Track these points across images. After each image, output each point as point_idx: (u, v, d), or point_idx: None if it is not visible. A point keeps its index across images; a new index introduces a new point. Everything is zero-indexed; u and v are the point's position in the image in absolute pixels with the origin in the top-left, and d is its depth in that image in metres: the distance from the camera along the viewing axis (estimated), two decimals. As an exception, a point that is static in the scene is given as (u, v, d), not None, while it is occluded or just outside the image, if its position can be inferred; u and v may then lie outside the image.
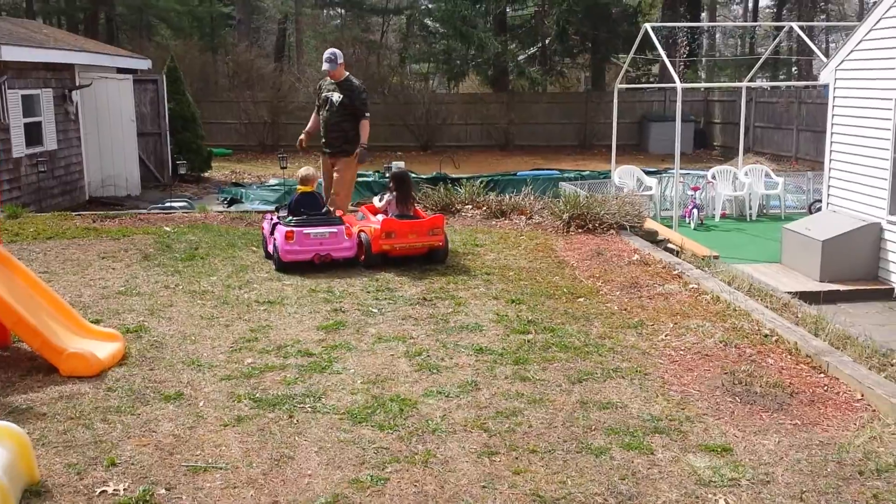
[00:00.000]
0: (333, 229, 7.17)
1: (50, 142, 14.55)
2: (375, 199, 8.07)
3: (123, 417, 3.99)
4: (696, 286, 6.68)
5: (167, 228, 9.04)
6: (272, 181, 19.17)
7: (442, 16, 29.99)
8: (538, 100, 28.54)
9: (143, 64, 19.40)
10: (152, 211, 11.67)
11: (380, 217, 7.55)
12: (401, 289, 6.53)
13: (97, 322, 5.46)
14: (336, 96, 8.39)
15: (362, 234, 7.36)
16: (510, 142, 27.31)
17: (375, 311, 5.89)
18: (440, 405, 4.18)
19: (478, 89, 31.90)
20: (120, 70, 17.63)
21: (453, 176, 18.10)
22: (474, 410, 4.13)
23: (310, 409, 4.10)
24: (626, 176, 14.64)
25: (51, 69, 14.59)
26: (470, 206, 10.14)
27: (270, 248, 7.33)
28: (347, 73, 8.61)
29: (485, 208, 10.01)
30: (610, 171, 16.24)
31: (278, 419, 3.99)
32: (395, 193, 7.72)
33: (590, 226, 8.92)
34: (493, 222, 9.56)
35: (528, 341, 5.21)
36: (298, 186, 7.58)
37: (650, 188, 14.14)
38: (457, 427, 3.93)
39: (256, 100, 26.39)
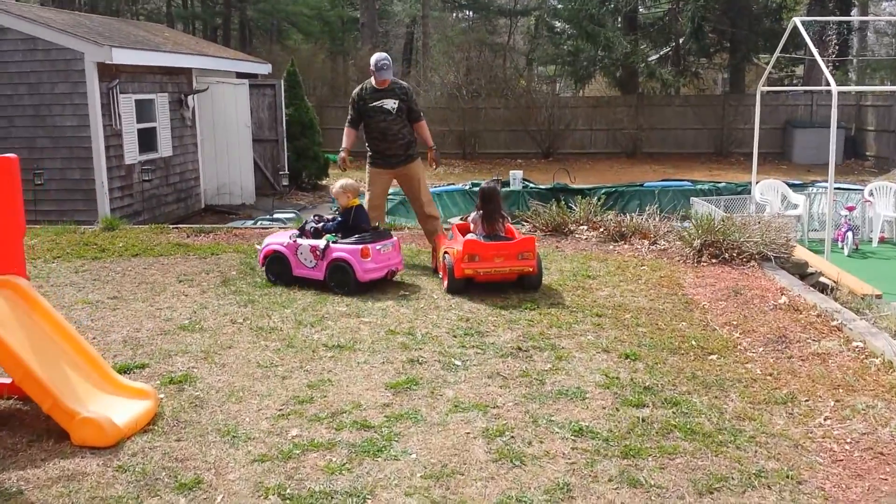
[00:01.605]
0: (393, 240, 6.81)
1: (165, 148, 14.49)
2: (469, 218, 7.20)
3: (127, 510, 3.26)
4: (860, 344, 5.36)
5: (258, 246, 8.45)
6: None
7: (568, 14, 28.75)
8: (670, 103, 26.78)
9: (264, 68, 19.33)
10: (247, 225, 11.24)
11: (463, 238, 6.70)
12: (493, 333, 5.57)
13: (143, 367, 4.83)
14: (391, 103, 7.53)
15: (446, 256, 6.58)
16: (638, 148, 25.74)
17: (458, 363, 4.96)
18: (520, 520, 3.21)
19: (604, 92, 30.43)
20: (240, 74, 17.55)
21: (572, 187, 16.91)
22: (564, 528, 3.13)
23: (351, 514, 3.23)
24: (769, 192, 13.06)
25: (167, 73, 14.53)
26: (585, 227, 9.04)
27: (302, 271, 6.68)
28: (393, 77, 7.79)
29: (602, 230, 8.89)
30: (749, 182, 14.64)
31: (312, 524, 3.14)
32: (481, 211, 6.81)
33: (726, 255, 7.64)
34: (611, 247, 8.43)
35: (643, 420, 4.14)
36: (348, 202, 6.85)
37: (796, 206, 12.52)
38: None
39: (377, 104, 26.05)
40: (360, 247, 6.44)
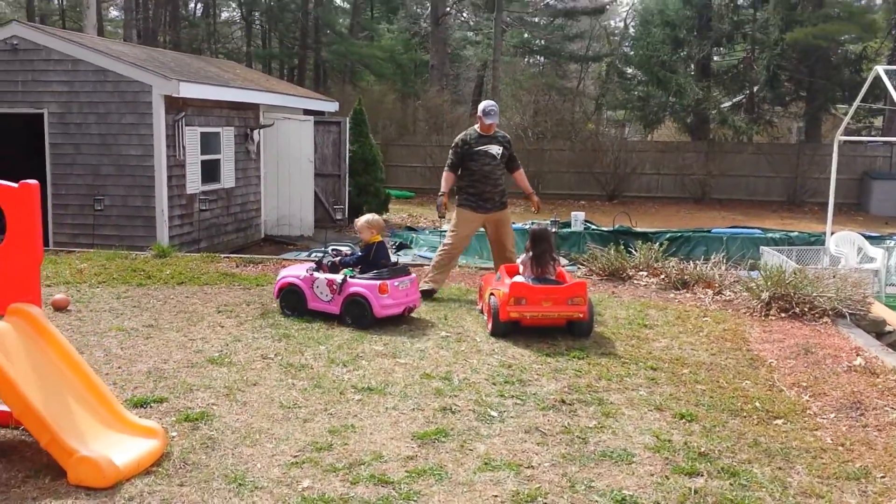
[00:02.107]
0: (411, 277, 6.69)
1: (227, 179, 14.59)
2: (519, 259, 6.88)
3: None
4: (949, 415, 4.78)
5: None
6: (446, 226, 18.43)
7: (640, 61, 28.42)
8: (741, 150, 25.99)
9: (331, 106, 19.49)
10: (300, 256, 11.10)
11: (511, 279, 6.36)
12: (536, 382, 5.18)
13: (161, 401, 4.59)
14: (496, 149, 7.74)
15: (492, 298, 6.26)
16: (706, 194, 24.99)
17: (494, 414, 4.58)
18: None
19: (674, 137, 29.80)
20: (308, 111, 17.71)
21: (635, 230, 16.37)
22: None
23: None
24: (844, 244, 12.32)
25: (234, 108, 14.69)
26: (645, 273, 8.58)
27: (317, 304, 6.58)
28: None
29: (662, 276, 8.42)
30: (823, 233, 13.91)
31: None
32: (530, 253, 6.48)
33: (797, 310, 7.09)
34: (672, 295, 7.95)
35: (696, 491, 3.68)
36: (371, 237, 6.75)
37: (874, 259, 11.77)
38: None
39: (442, 144, 26.09)
40: (379, 282, 6.35)
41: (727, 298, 7.72)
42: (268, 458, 3.90)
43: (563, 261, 12.90)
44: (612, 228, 16.45)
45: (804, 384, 5.34)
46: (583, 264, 8.94)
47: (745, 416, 4.73)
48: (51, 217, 12.47)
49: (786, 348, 6.14)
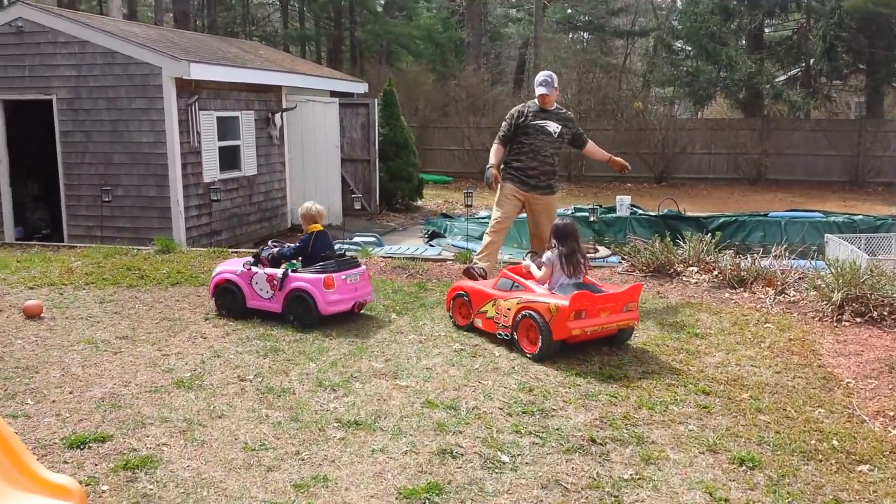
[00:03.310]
0: (360, 270, 6.15)
1: (248, 167, 13.87)
2: (524, 262, 5.86)
3: None
4: None
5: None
6: (483, 213, 17.50)
7: (688, 33, 26.96)
8: (798, 127, 24.45)
9: (360, 87, 18.65)
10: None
11: (545, 288, 5.37)
12: (561, 412, 4.27)
13: (103, 440, 3.81)
14: (554, 126, 6.96)
15: (529, 314, 5.17)
16: (761, 175, 23.59)
17: (506, 459, 3.70)
18: None
19: (725, 114, 28.32)
20: (335, 94, 16.91)
21: (686, 215, 15.23)
22: None
23: None
24: (920, 229, 11.10)
25: (254, 90, 13.94)
26: (695, 269, 7.57)
27: (257, 303, 6.05)
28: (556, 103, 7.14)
29: (716, 273, 7.40)
30: (890, 216, 12.69)
31: None
32: (557, 251, 5.44)
33: (874, 314, 6.04)
34: (727, 295, 6.95)
35: (762, 584, 2.76)
36: (309, 226, 6.22)
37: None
38: None
39: (480, 126, 25.10)
40: (324, 276, 5.81)
41: (791, 299, 6.70)
42: (209, 527, 3.09)
43: (604, 250, 11.90)
44: (660, 213, 15.35)
45: (891, 412, 4.35)
46: (624, 259, 7.96)
47: (820, 461, 3.78)
48: (64, 209, 11.91)
49: (865, 364, 5.13)
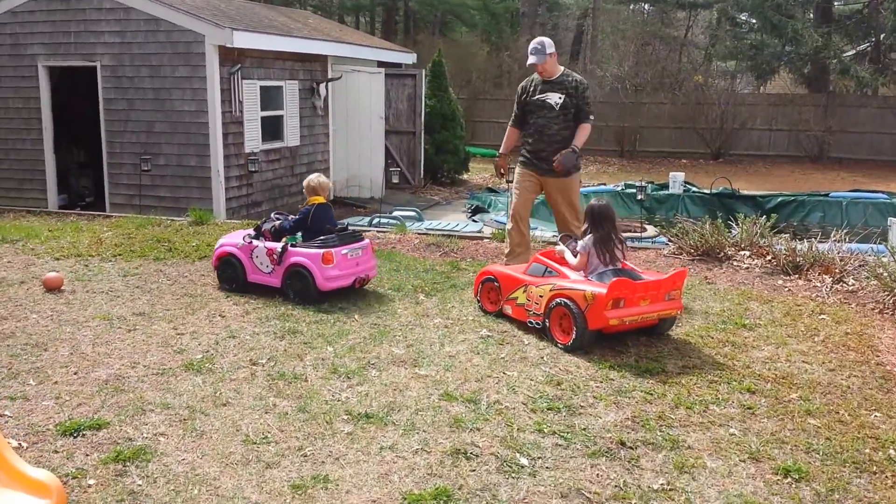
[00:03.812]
0: (364, 244, 5.95)
1: (291, 137, 13.68)
2: (557, 247, 5.45)
3: None
4: None
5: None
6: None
7: (752, 4, 25.83)
8: (865, 104, 23.29)
9: (408, 58, 18.28)
10: (361, 223, 10.10)
11: (580, 275, 4.99)
12: (590, 409, 3.94)
13: (99, 427, 3.61)
14: (555, 98, 6.26)
15: (563, 302, 4.81)
16: (824, 153, 22.56)
17: (525, 462, 3.40)
18: None
19: (788, 89, 27.17)
20: (381, 64, 16.58)
21: (741, 193, 14.58)
22: None
23: None
24: None
25: (299, 59, 13.69)
26: (747, 253, 7.11)
27: (258, 277, 5.91)
28: (563, 69, 6.38)
29: (769, 258, 6.93)
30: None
31: None
32: (592, 236, 5.05)
33: (943, 307, 5.54)
34: (780, 282, 6.48)
35: None
36: (311, 198, 6.02)
37: None
38: None
39: (531, 98, 24.55)
40: (322, 251, 5.64)
41: (850, 288, 6.21)
42: (193, 531, 2.86)
43: (652, 229, 11.38)
44: (714, 192, 14.74)
45: (961, 421, 3.92)
46: (670, 241, 7.53)
47: (875, 473, 3.39)
48: (106, 177, 11.89)
49: (932, 363, 4.67)
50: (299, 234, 5.97)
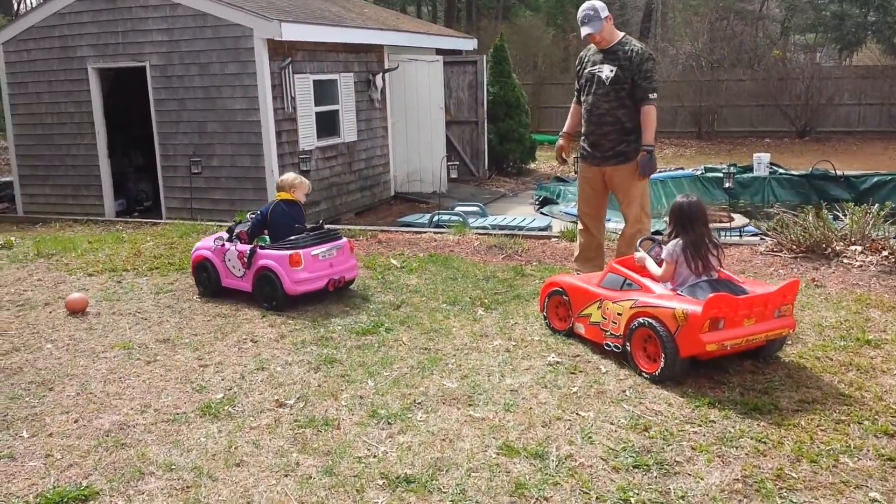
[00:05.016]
0: (339, 244, 5.57)
1: (348, 133, 13.09)
2: (637, 254, 4.51)
3: None
4: None
5: (394, 262, 6.56)
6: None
7: (834, -29, 24.16)
8: (965, 71, 21.44)
9: (468, 44, 17.49)
10: (420, 220, 9.42)
11: (667, 288, 4.13)
12: (687, 466, 3.13)
13: (86, 498, 2.99)
14: (607, 70, 5.30)
15: (647, 322, 3.98)
16: (921, 127, 20.86)
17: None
18: None
19: (877, 61, 25.30)
20: (440, 52, 15.85)
21: (836, 174, 13.33)
22: None
23: None
24: None
25: (353, 51, 13.08)
26: (858, 248, 6.12)
27: (231, 282, 5.61)
28: (622, 35, 5.41)
29: (885, 253, 5.94)
30: None
31: None
32: (681, 241, 4.16)
33: None
34: (903, 283, 5.50)
35: None
36: (278, 194, 5.70)
37: None
38: None
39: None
40: (289, 253, 5.30)
41: None
42: None
43: (740, 218, 10.32)
44: (803, 173, 13.53)
45: None
46: (764, 235, 6.58)
47: None
48: (161, 180, 11.52)
49: None
50: (266, 235, 5.62)
